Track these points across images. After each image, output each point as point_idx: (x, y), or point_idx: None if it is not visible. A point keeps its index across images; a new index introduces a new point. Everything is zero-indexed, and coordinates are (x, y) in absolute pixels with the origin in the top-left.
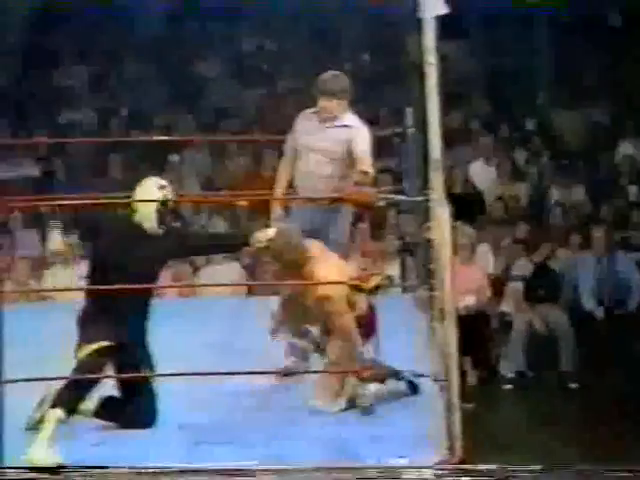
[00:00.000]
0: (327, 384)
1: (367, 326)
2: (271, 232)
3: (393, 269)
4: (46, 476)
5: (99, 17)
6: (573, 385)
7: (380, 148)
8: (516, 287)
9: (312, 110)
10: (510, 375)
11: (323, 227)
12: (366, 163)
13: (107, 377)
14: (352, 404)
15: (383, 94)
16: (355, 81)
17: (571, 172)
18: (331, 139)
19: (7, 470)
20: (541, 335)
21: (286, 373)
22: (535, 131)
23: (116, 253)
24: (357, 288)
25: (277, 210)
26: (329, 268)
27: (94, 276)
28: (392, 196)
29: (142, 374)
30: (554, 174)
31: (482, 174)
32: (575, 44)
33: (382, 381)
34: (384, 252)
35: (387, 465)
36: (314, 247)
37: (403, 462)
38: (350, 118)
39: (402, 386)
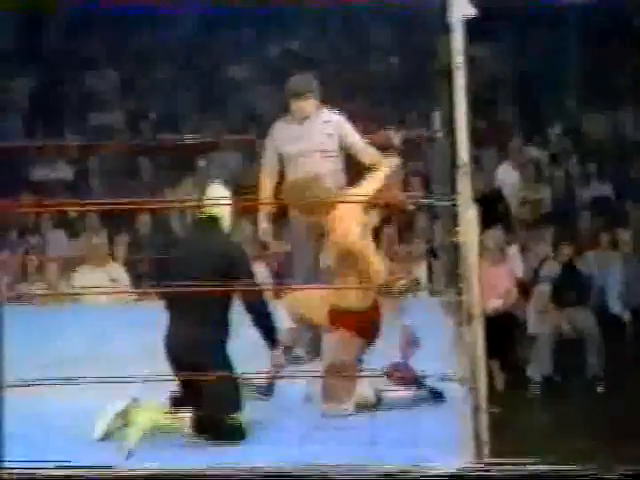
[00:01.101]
0: (332, 387)
1: (370, 326)
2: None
3: (421, 272)
4: (48, 476)
5: (129, 21)
6: (601, 389)
7: (408, 151)
8: (544, 289)
9: (286, 117)
10: (538, 378)
11: None
12: (369, 152)
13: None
14: (364, 407)
15: (411, 97)
16: (384, 84)
17: (598, 174)
18: (318, 136)
19: (7, 470)
20: (569, 338)
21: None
22: (562, 134)
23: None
24: (385, 291)
25: (263, 224)
26: (351, 222)
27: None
28: (420, 200)
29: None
30: (581, 176)
31: (509, 177)
32: (603, 47)
33: (410, 385)
34: (412, 255)
35: (412, 465)
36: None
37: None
38: (326, 113)
39: (425, 392)
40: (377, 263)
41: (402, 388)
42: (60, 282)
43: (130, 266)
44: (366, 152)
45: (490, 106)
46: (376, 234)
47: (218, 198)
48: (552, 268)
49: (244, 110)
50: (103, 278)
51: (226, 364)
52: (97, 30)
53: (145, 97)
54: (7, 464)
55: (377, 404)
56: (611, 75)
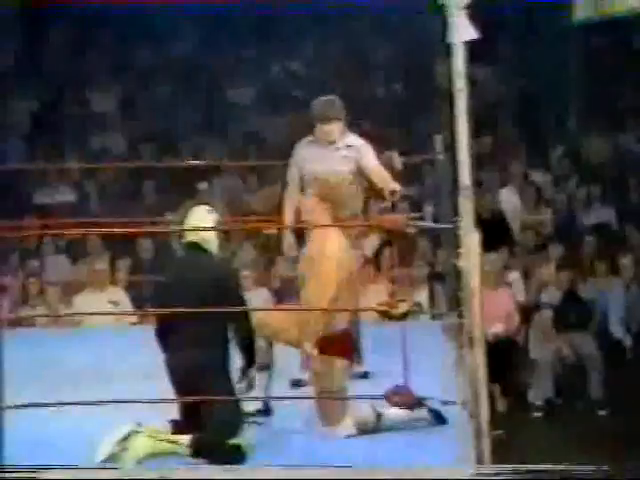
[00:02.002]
0: (326, 410)
1: (343, 347)
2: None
3: (422, 296)
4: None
5: (131, 44)
6: (602, 412)
7: (410, 175)
8: (545, 314)
9: (310, 138)
10: (539, 402)
11: None
12: (387, 179)
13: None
14: (364, 428)
15: (413, 120)
16: (386, 107)
17: (600, 198)
18: (339, 161)
19: (7, 470)
20: (570, 362)
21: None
22: (564, 157)
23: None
24: (386, 314)
25: (289, 239)
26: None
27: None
28: (422, 223)
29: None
30: (582, 200)
31: (511, 200)
32: (604, 69)
33: (410, 408)
34: (413, 278)
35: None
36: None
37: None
38: (351, 138)
39: (426, 414)
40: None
41: (401, 410)
42: (61, 306)
43: (131, 289)
44: (377, 173)
45: (491, 129)
46: (377, 257)
47: (200, 223)
48: (553, 293)
49: (245, 133)
50: (104, 301)
51: (227, 387)
52: (98, 53)
53: (146, 120)
54: (7, 464)
55: (377, 425)
56: (612, 97)
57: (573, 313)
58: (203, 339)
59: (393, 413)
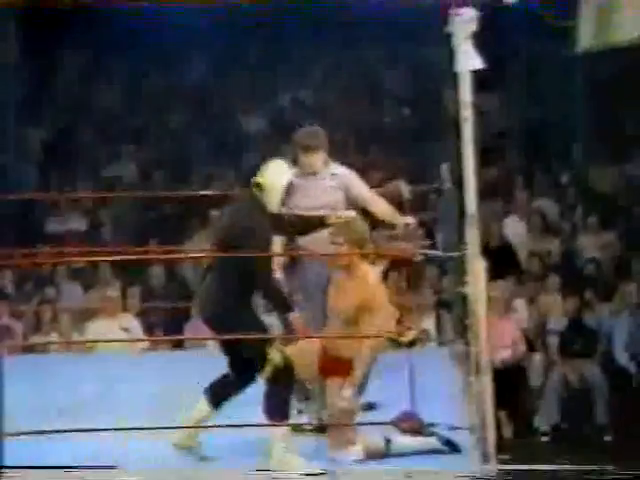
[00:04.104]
0: (335, 434)
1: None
2: (350, 213)
3: (429, 323)
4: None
5: (143, 73)
6: (608, 438)
7: (417, 202)
8: (551, 341)
9: (293, 170)
10: (545, 428)
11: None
12: (389, 211)
13: None
14: (374, 455)
15: (421, 149)
16: (394, 135)
17: (605, 226)
18: (328, 191)
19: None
20: (576, 388)
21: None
22: (569, 185)
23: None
24: (394, 341)
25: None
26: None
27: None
28: (429, 251)
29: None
30: (588, 228)
31: (516, 229)
32: (609, 99)
33: (418, 433)
34: (421, 306)
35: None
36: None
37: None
38: (334, 167)
39: (435, 441)
40: (388, 313)
41: (410, 437)
42: (74, 332)
43: (143, 316)
44: (375, 203)
45: (498, 158)
46: (384, 285)
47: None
48: (559, 320)
49: (256, 161)
50: (116, 328)
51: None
52: (110, 82)
53: (158, 148)
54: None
55: (386, 452)
56: (618, 126)
57: (578, 340)
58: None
59: (402, 440)
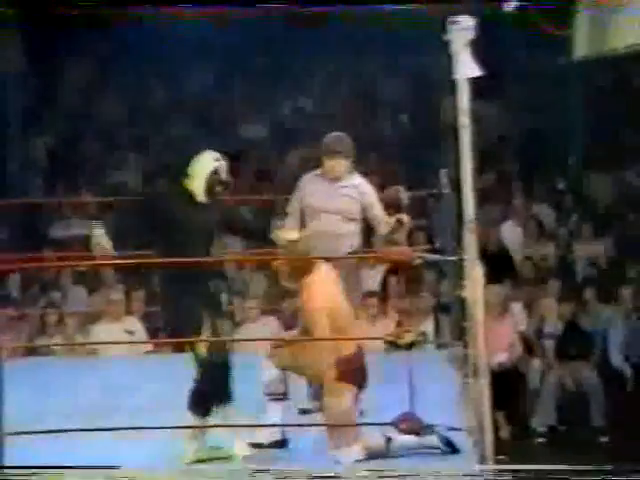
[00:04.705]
0: (337, 434)
1: (357, 372)
2: (294, 235)
3: (428, 326)
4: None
5: (146, 81)
6: (603, 439)
7: (416, 207)
8: (548, 344)
9: (316, 172)
10: (542, 429)
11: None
12: (383, 223)
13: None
14: (374, 454)
15: (419, 155)
16: (393, 142)
17: (600, 232)
18: (344, 199)
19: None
20: (572, 391)
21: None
22: (565, 191)
23: (175, 224)
24: (393, 344)
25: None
26: (319, 290)
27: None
28: (427, 255)
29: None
30: (584, 234)
31: (513, 234)
32: (605, 106)
33: (417, 434)
34: (419, 309)
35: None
36: (322, 267)
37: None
38: (356, 178)
39: (435, 440)
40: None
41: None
42: (78, 335)
43: (147, 320)
44: (381, 222)
45: (495, 164)
46: (384, 288)
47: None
48: (555, 324)
49: (258, 167)
50: (120, 331)
51: None
52: (113, 91)
53: (160, 155)
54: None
55: (386, 451)
56: (613, 134)
57: (574, 343)
58: None
59: (402, 439)
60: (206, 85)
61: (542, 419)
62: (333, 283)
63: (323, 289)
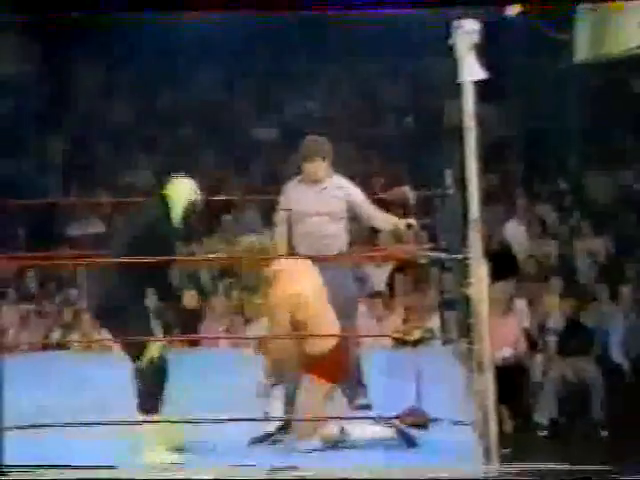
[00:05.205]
0: (300, 425)
1: (329, 367)
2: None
3: (434, 322)
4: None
5: (157, 84)
6: (604, 433)
7: (421, 207)
8: (550, 340)
9: (298, 178)
10: (544, 423)
11: (331, 285)
12: (389, 218)
13: None
14: (328, 442)
15: (424, 156)
16: (399, 143)
17: (600, 231)
18: (329, 200)
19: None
20: (573, 385)
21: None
22: (567, 191)
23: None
24: (400, 340)
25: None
26: (280, 285)
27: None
28: (433, 253)
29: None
30: (584, 232)
31: (516, 233)
32: (605, 108)
33: (423, 427)
34: (425, 306)
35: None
36: (282, 262)
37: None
38: (338, 178)
39: (391, 433)
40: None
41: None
42: (94, 331)
43: (159, 316)
44: (377, 219)
45: (499, 165)
46: (390, 286)
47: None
48: (557, 320)
49: (266, 169)
50: None
51: None
52: (126, 92)
53: (172, 157)
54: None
55: (341, 441)
56: (613, 135)
57: (576, 339)
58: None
59: (358, 430)
60: (217, 87)
61: (544, 413)
62: (303, 277)
63: (286, 284)
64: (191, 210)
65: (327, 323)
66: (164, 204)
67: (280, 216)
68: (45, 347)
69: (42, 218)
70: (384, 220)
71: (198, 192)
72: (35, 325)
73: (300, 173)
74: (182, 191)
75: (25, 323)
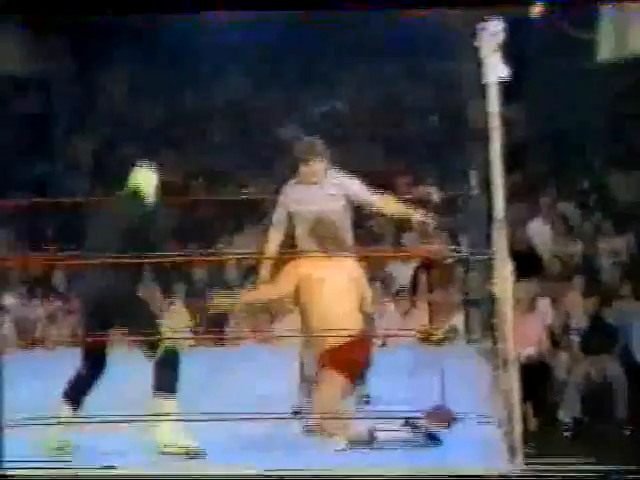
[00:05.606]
0: (321, 422)
1: (352, 359)
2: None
3: (458, 321)
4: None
5: (184, 86)
6: (627, 431)
7: (446, 207)
8: (574, 338)
9: (295, 179)
10: (568, 421)
11: None
12: (398, 206)
13: None
14: (357, 443)
15: (449, 156)
16: (423, 144)
17: (623, 230)
18: (328, 198)
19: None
20: (597, 384)
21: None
22: (590, 190)
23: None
24: (425, 338)
25: (264, 273)
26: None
27: None
28: (459, 253)
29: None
30: (606, 232)
31: (540, 232)
32: (629, 108)
33: (448, 425)
34: (450, 305)
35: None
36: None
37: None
38: (334, 175)
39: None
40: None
41: (440, 428)
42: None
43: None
44: (381, 202)
45: (522, 165)
46: (414, 284)
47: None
48: (581, 319)
49: (290, 169)
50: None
51: None
52: (152, 94)
53: (197, 157)
54: (7, 464)
55: (370, 442)
56: (637, 134)
57: (599, 338)
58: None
59: (387, 431)
60: (242, 88)
61: (568, 411)
62: (319, 267)
63: (300, 263)
64: (159, 195)
65: (337, 315)
66: (138, 195)
67: (277, 217)
68: (73, 343)
69: (70, 217)
70: (387, 204)
71: (157, 177)
72: (63, 322)
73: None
74: (148, 178)
75: (53, 320)
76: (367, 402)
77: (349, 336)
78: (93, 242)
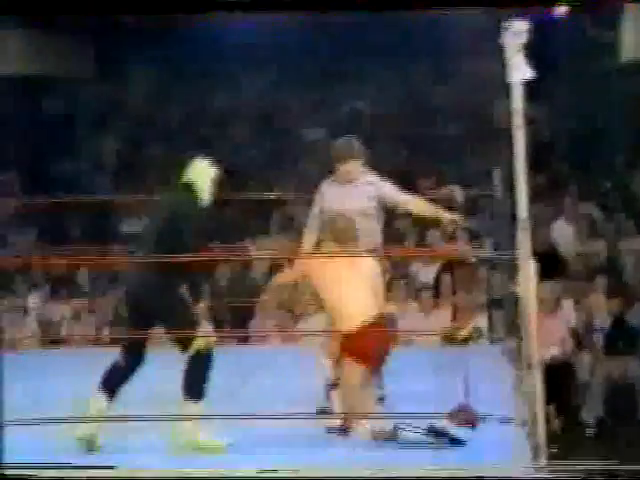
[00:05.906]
0: (344, 410)
1: (368, 346)
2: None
3: (482, 321)
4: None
5: (209, 87)
6: None
7: (469, 207)
8: (597, 339)
9: (332, 177)
10: (590, 422)
11: None
12: (432, 208)
13: None
14: (378, 437)
15: (472, 156)
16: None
17: None
18: (361, 197)
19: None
20: (620, 385)
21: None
22: (613, 191)
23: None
24: (450, 338)
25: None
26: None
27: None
28: (483, 253)
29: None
30: (629, 232)
31: (564, 232)
32: None
33: (472, 425)
34: (474, 305)
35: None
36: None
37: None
38: (369, 176)
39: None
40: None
41: (464, 429)
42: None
43: (212, 314)
44: (412, 204)
45: (546, 165)
46: (437, 284)
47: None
48: (604, 319)
49: (315, 168)
50: None
51: None
52: (177, 94)
53: (222, 157)
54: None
55: (392, 438)
56: None
57: (622, 338)
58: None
59: (410, 434)
60: (267, 89)
61: (591, 412)
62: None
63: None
64: (216, 188)
65: (354, 299)
66: (190, 190)
67: (313, 215)
68: (96, 342)
69: (97, 215)
70: (418, 204)
71: (216, 168)
72: (87, 320)
73: (333, 173)
74: (203, 172)
75: (77, 318)
76: (381, 400)
77: (365, 322)
78: (140, 240)
